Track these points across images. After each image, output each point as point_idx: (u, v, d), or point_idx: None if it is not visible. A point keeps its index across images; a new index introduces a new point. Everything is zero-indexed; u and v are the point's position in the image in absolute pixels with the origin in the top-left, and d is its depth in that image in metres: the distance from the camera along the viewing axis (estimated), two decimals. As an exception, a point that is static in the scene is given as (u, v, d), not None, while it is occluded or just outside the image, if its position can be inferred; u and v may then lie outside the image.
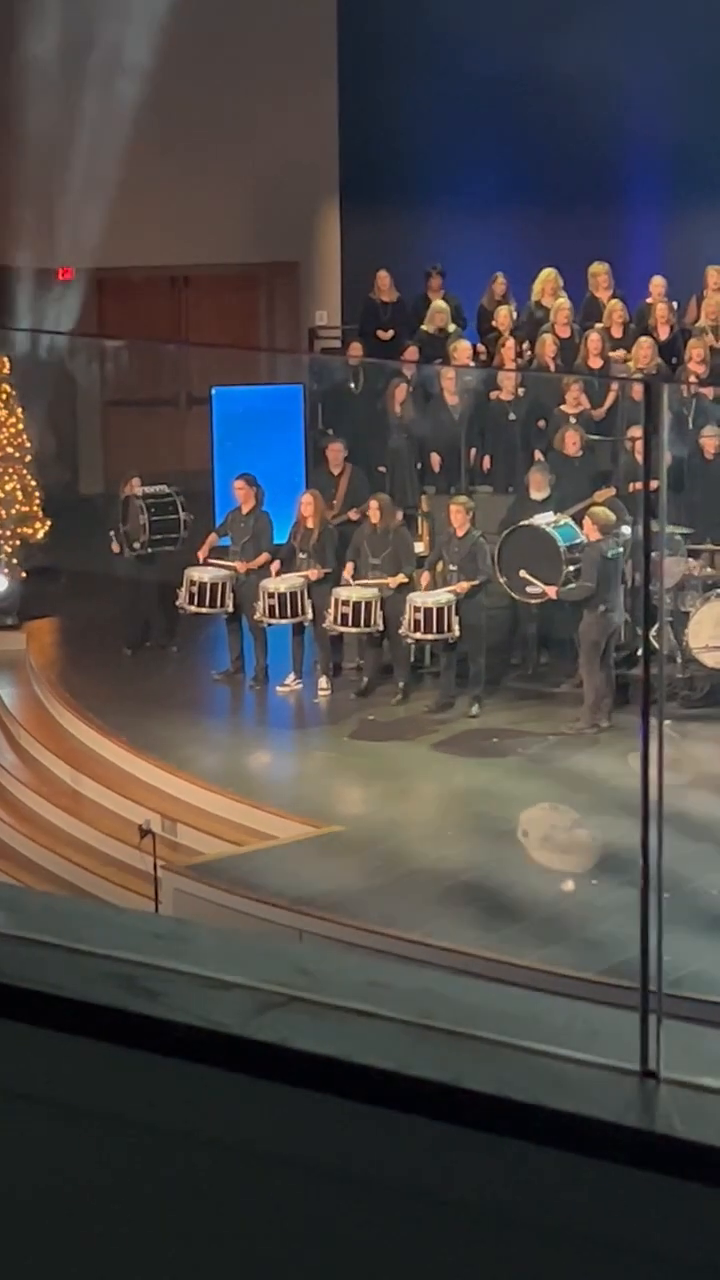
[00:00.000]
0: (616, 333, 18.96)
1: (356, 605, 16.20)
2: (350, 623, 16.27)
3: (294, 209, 22.27)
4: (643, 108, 22.11)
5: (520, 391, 18.06)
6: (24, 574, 18.61)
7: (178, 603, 16.94)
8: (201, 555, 17.01)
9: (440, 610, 15.85)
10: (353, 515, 16.90)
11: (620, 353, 18.70)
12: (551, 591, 15.84)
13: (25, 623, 18.29)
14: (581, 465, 17.01)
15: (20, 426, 18.98)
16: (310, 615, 16.52)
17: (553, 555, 15.89)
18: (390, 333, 20.33)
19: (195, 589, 16.78)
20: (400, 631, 16.04)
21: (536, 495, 16.62)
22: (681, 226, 21.76)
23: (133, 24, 21.46)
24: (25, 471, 18.95)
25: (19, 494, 18.83)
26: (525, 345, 19.12)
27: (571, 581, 15.76)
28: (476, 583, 16.03)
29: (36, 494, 18.96)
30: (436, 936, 11.97)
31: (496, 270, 20.21)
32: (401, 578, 16.31)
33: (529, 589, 16.04)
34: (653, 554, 3.09)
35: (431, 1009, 2.52)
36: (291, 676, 16.71)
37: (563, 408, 17.75)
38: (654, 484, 3.31)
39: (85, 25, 21.55)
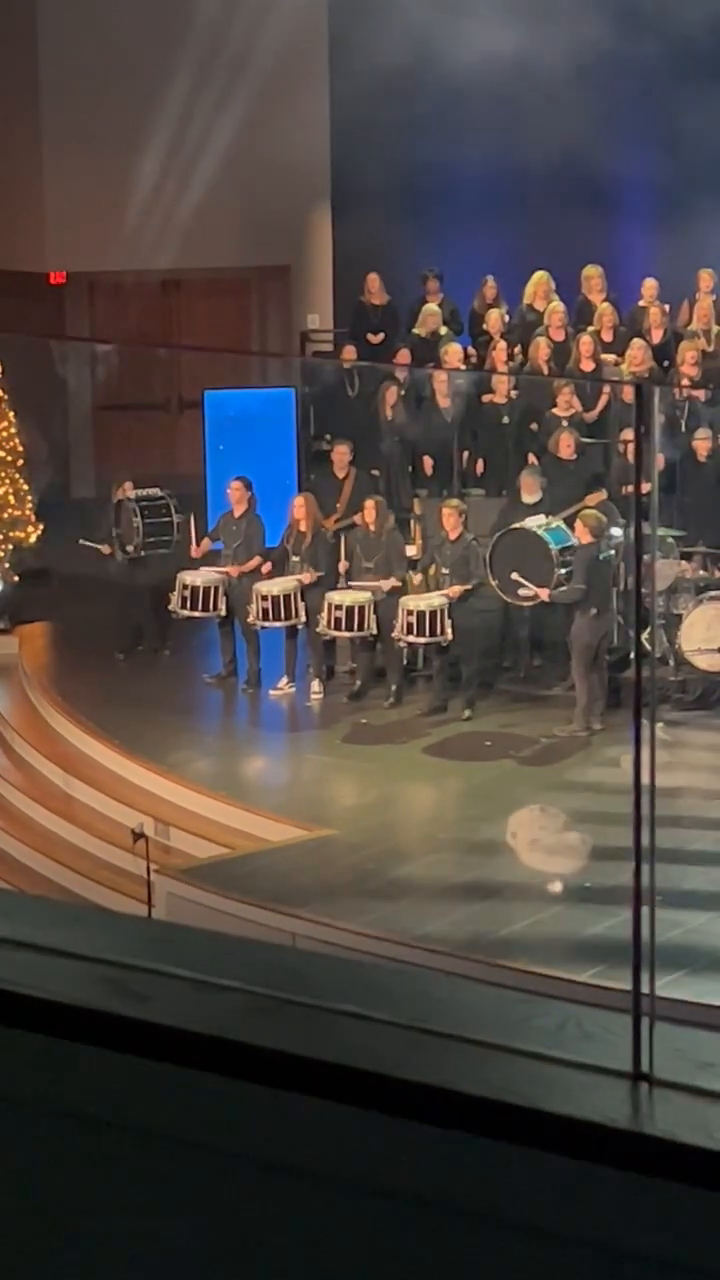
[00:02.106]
0: (608, 336, 18.96)
1: (349, 609, 16.19)
2: (343, 626, 16.26)
3: (285, 212, 22.28)
4: (635, 110, 22.12)
5: (513, 394, 18.06)
6: (16, 578, 18.61)
7: (170, 607, 16.93)
8: (195, 558, 17.01)
9: (433, 614, 15.85)
10: (357, 520, 16.86)
11: (612, 356, 18.71)
12: (543, 594, 15.85)
13: (17, 627, 18.28)
14: (575, 468, 17.01)
15: (12, 430, 18.97)
16: (303, 618, 16.51)
17: (544, 558, 15.90)
18: (380, 336, 20.33)
19: (188, 593, 16.77)
20: (393, 635, 16.04)
21: (528, 499, 16.62)
22: (673, 229, 21.75)
23: (127, 30, 21.46)
24: (17, 475, 18.95)
25: (11, 498, 18.83)
26: (516, 349, 19.14)
27: (563, 584, 15.76)
28: (469, 586, 16.03)
29: (28, 498, 18.95)
30: (429, 940, 11.97)
31: (487, 274, 20.22)
32: (394, 581, 16.31)
33: (521, 591, 16.04)
34: (644, 557, 3.09)
35: (424, 1012, 2.52)
36: (284, 680, 16.71)
37: (554, 411, 17.75)
38: (646, 486, 3.31)
39: (82, 33, 21.56)
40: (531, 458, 17.42)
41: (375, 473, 17.96)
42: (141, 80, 21.65)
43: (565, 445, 17.01)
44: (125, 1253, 2.59)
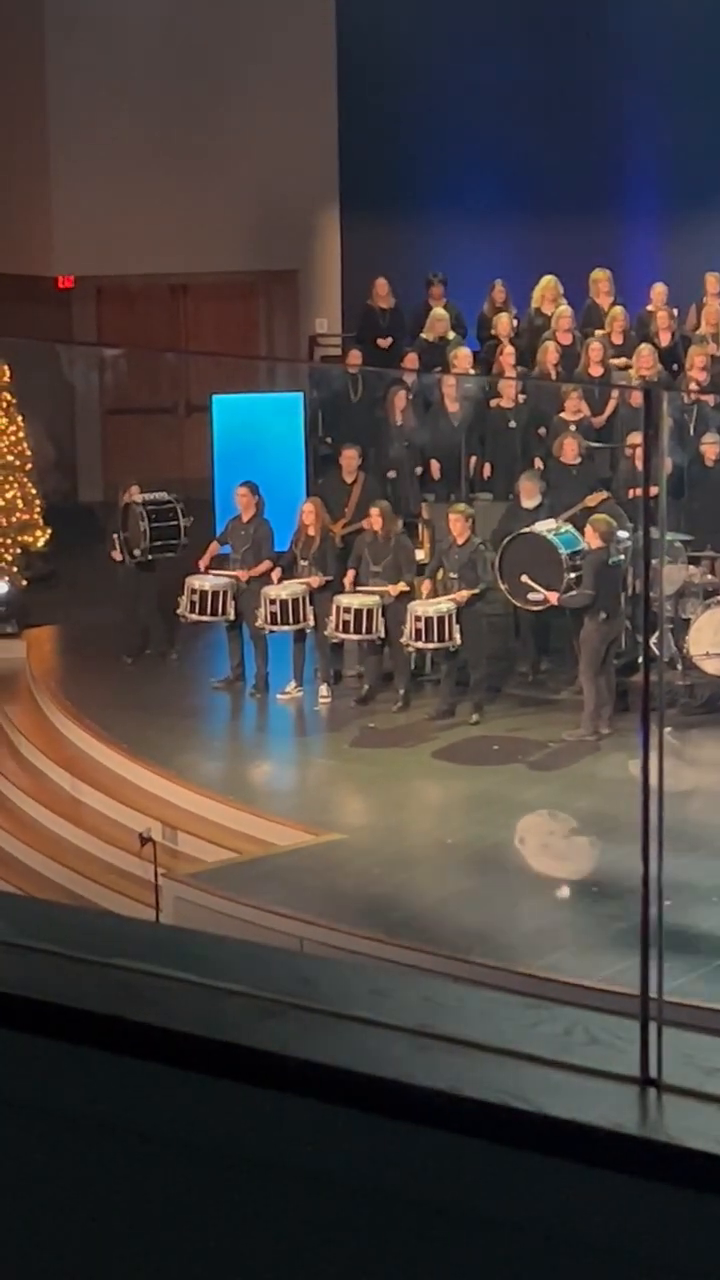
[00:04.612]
0: (617, 340, 18.96)
1: (358, 612, 16.18)
2: (351, 630, 16.26)
3: (293, 217, 22.28)
4: (642, 114, 22.12)
5: (520, 399, 18.05)
6: (24, 582, 18.61)
7: (178, 611, 16.93)
8: (203, 564, 17.01)
9: (441, 618, 15.84)
10: (365, 524, 16.84)
11: (621, 360, 18.70)
12: (553, 598, 15.84)
13: (25, 631, 18.28)
14: (579, 473, 17.00)
15: (20, 435, 18.98)
16: (311, 622, 16.51)
17: (554, 562, 15.89)
18: (389, 340, 20.34)
19: (196, 597, 16.77)
20: (401, 640, 16.03)
21: (528, 503, 16.61)
22: (682, 233, 21.77)
23: (134, 34, 21.48)
24: (25, 480, 18.96)
25: (19, 502, 18.84)
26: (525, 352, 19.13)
27: (573, 589, 15.75)
28: (477, 591, 16.01)
29: (37, 502, 18.96)
30: (437, 944, 11.96)
31: (496, 278, 20.22)
32: (402, 585, 16.30)
33: (530, 596, 16.03)
34: (653, 561, 3.09)
35: (431, 1017, 2.51)
36: (292, 684, 16.70)
37: (562, 415, 17.74)
38: (654, 491, 3.31)
39: (90, 37, 21.57)
40: (538, 462, 17.41)
41: (392, 474, 17.97)
42: (149, 84, 21.67)
43: (569, 449, 16.99)
44: (132, 1257, 2.59)
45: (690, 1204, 2.25)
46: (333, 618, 16.24)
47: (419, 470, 18.18)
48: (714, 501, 16.48)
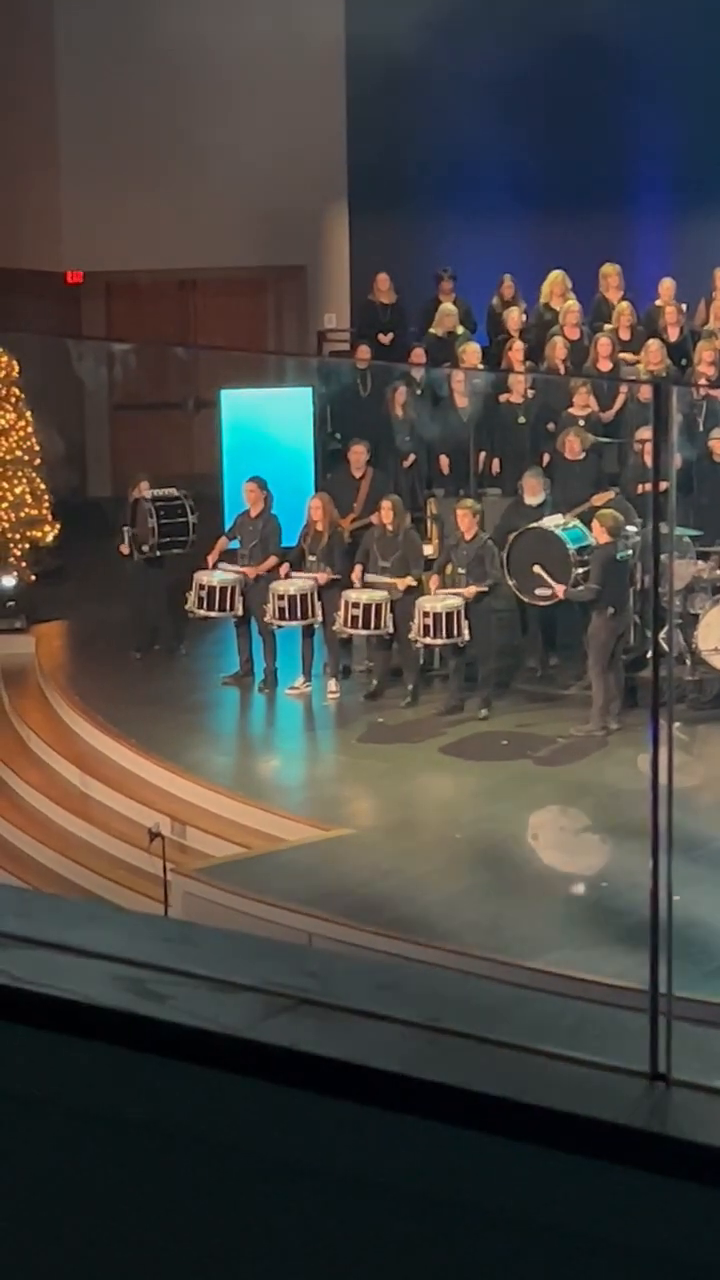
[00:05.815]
0: (625, 335, 18.94)
1: (366, 607, 16.18)
2: (360, 624, 16.26)
3: (302, 212, 22.27)
4: (650, 108, 22.09)
5: (529, 394, 18.04)
6: (33, 577, 18.62)
7: (187, 607, 16.93)
8: (211, 559, 17.01)
9: (449, 614, 15.84)
10: (374, 519, 16.83)
11: (629, 354, 18.68)
12: (560, 592, 15.83)
13: (34, 626, 18.29)
14: (582, 468, 16.98)
15: (29, 430, 18.99)
16: (319, 618, 16.50)
17: (562, 558, 15.88)
18: (390, 335, 20.32)
19: (204, 593, 16.78)
20: (409, 635, 16.03)
21: (531, 500, 16.59)
22: (690, 229, 21.74)
23: (144, 29, 21.46)
24: (34, 475, 18.96)
25: (28, 497, 18.84)
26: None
27: (580, 583, 15.74)
28: (485, 586, 16.01)
29: (46, 497, 18.97)
30: (445, 939, 11.96)
31: (504, 273, 20.21)
32: (410, 580, 16.30)
33: (538, 590, 16.02)
34: (661, 556, 3.08)
35: (440, 1012, 2.52)
36: (300, 679, 16.71)
37: (571, 410, 17.72)
38: (663, 486, 3.31)
39: (99, 32, 21.57)
40: (547, 457, 17.39)
41: (406, 463, 17.96)
42: (158, 80, 21.65)
43: (571, 445, 16.98)
44: (140, 1252, 2.59)
45: (699, 1198, 2.25)
46: (341, 613, 16.24)
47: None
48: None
